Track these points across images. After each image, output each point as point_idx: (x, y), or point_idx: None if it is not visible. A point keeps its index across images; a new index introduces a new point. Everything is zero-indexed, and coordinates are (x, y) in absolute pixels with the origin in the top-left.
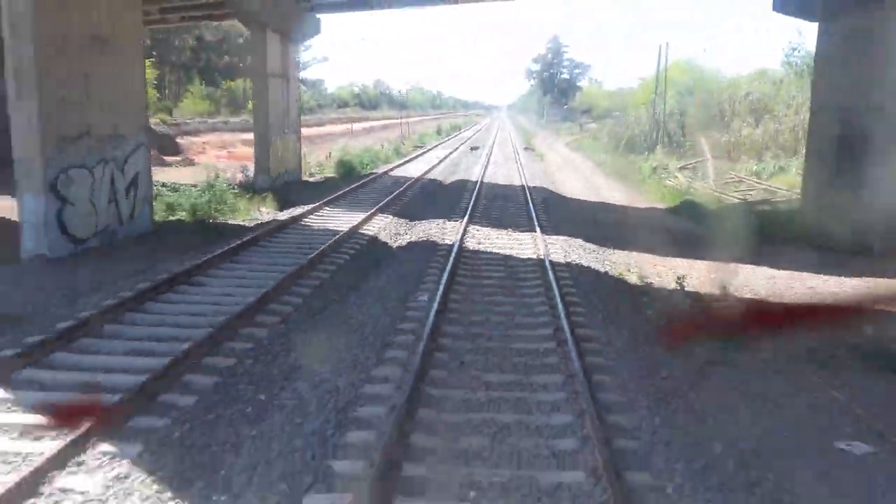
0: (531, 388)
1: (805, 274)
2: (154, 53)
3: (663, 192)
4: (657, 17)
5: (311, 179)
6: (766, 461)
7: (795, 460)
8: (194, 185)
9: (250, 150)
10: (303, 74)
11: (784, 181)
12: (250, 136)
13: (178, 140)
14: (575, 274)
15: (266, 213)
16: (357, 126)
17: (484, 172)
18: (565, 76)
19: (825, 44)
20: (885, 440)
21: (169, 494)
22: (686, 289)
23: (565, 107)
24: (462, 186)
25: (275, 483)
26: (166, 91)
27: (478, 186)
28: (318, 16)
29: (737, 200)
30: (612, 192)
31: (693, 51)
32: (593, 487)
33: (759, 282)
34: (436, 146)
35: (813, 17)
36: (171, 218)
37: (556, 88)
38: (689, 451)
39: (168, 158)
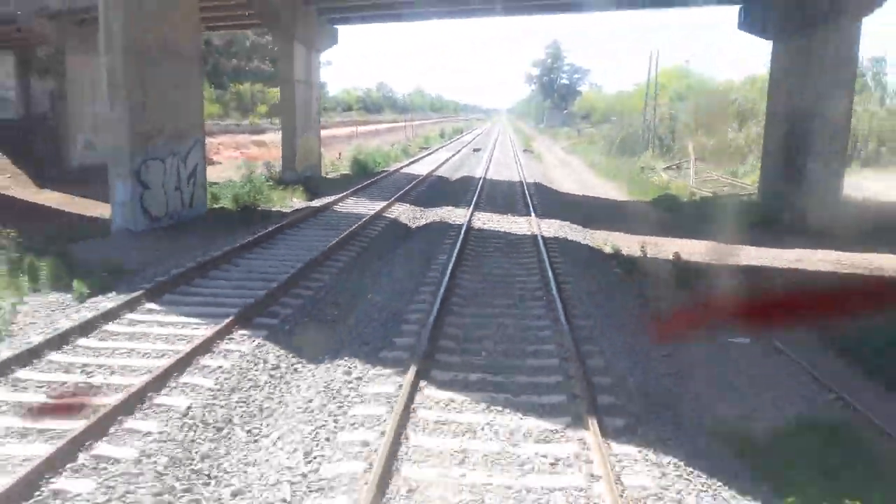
0: (524, 308)
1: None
2: None
3: (647, 187)
4: (657, 21)
5: (330, 176)
6: (676, 346)
7: (698, 345)
8: (231, 181)
9: (263, 151)
10: None
11: (754, 179)
12: (261, 137)
13: None
14: (562, 245)
15: (298, 201)
16: (361, 129)
17: (486, 170)
18: (565, 81)
19: (777, 59)
20: (760, 336)
21: (292, 354)
22: (647, 255)
23: (564, 111)
24: (467, 181)
25: (360, 347)
26: None
27: (481, 181)
28: (336, 27)
29: (709, 194)
30: (602, 188)
31: (692, 54)
32: (560, 349)
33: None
34: (440, 148)
35: (769, 37)
36: (216, 206)
37: (556, 93)
38: (624, 338)
39: None
